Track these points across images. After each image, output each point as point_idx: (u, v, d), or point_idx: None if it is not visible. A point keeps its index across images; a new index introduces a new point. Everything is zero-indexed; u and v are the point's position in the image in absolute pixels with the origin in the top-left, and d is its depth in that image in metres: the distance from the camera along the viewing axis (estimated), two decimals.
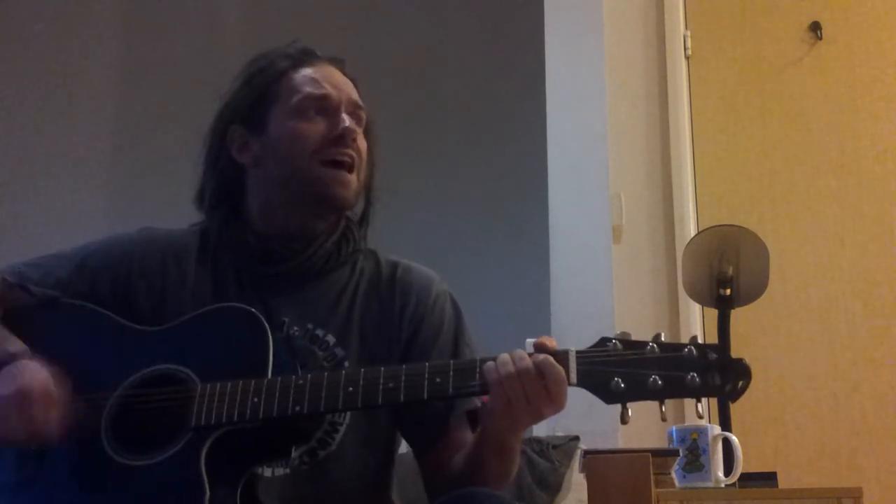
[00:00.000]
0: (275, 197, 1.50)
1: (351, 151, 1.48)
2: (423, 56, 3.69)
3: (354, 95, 1.54)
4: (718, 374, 1.19)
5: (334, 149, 1.47)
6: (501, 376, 1.23)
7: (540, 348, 1.26)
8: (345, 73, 1.57)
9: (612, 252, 2.85)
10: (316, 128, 1.48)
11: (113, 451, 1.32)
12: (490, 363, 1.26)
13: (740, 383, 1.20)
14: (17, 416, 1.28)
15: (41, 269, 1.50)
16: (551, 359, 1.23)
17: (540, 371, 1.22)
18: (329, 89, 1.51)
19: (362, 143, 1.52)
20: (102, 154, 3.74)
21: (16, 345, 1.37)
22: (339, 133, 1.47)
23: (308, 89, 1.50)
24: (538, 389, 1.22)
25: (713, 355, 1.20)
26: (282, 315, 1.46)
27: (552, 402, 1.23)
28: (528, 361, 1.23)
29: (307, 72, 1.53)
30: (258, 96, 1.53)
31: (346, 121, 1.49)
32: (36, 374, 1.32)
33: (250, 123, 1.52)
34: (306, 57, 1.55)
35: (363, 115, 1.55)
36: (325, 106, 1.50)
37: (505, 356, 1.26)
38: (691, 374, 1.19)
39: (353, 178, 1.49)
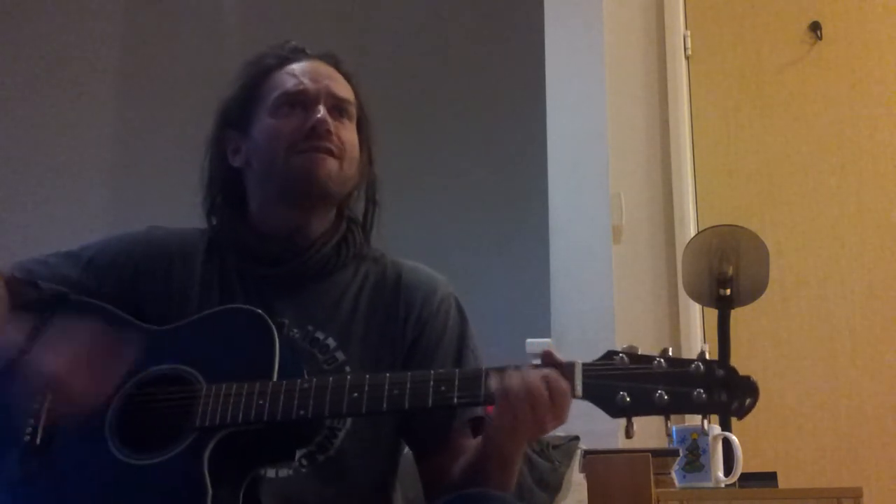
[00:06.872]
0: (265, 196, 1.50)
1: (326, 143, 1.45)
2: (423, 56, 3.69)
3: (337, 88, 1.51)
4: (725, 391, 1.19)
5: (309, 142, 1.44)
6: (507, 389, 1.22)
7: (547, 359, 1.25)
8: (338, 69, 1.54)
9: (612, 252, 2.85)
10: (291, 123, 1.46)
11: (117, 450, 1.31)
12: (497, 377, 1.24)
13: (748, 401, 1.19)
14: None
15: (49, 267, 1.50)
16: (557, 373, 1.22)
17: (547, 385, 1.22)
18: (306, 83, 1.48)
19: (347, 136, 1.49)
20: (103, 154, 3.74)
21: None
22: (311, 125, 1.45)
23: (286, 86, 1.49)
24: (544, 403, 1.21)
25: (720, 372, 1.20)
26: (282, 316, 1.44)
27: (556, 415, 1.22)
28: (535, 378, 1.22)
29: (289, 69, 1.51)
30: (245, 99, 1.52)
31: (321, 112, 1.46)
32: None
33: (240, 126, 1.52)
34: (294, 55, 1.54)
35: (351, 108, 1.52)
36: (301, 100, 1.48)
37: (512, 370, 1.25)
38: (698, 390, 1.18)
39: (331, 161, 1.45)
